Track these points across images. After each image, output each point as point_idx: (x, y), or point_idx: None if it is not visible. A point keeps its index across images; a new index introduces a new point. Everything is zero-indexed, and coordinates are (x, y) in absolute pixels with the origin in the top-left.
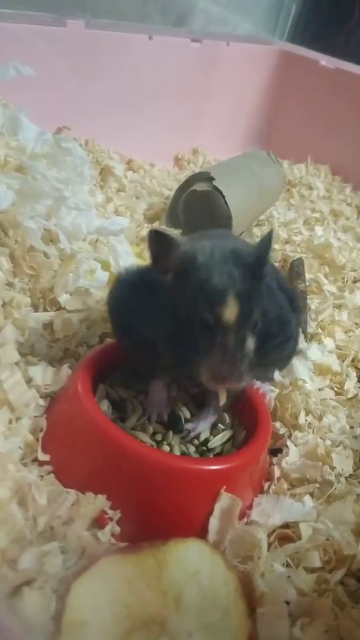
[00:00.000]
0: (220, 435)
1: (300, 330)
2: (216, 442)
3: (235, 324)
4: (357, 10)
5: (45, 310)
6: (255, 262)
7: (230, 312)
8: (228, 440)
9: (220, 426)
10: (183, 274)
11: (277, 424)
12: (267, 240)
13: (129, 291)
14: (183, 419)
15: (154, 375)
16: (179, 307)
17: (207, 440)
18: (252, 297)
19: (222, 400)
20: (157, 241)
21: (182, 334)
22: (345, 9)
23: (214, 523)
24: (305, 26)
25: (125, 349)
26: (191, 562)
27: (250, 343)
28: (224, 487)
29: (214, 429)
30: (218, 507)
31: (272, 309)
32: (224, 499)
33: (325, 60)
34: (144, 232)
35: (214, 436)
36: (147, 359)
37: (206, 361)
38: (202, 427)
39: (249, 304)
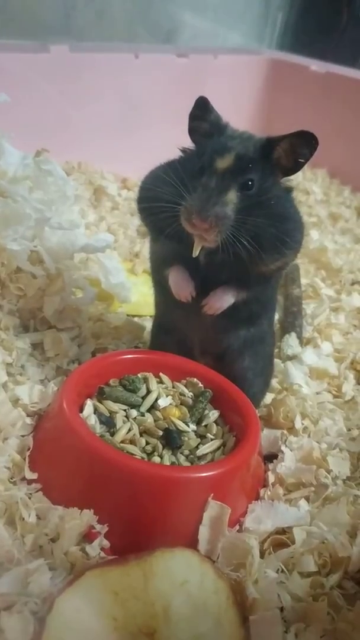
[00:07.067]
0: (209, 444)
1: (296, 334)
2: (205, 449)
3: (222, 173)
4: (344, 13)
5: (35, 329)
6: (267, 143)
7: (223, 162)
8: (218, 448)
9: (210, 436)
10: (207, 138)
11: (273, 429)
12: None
13: (156, 173)
14: (179, 434)
15: (173, 259)
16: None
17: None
18: (254, 168)
19: (196, 251)
20: (199, 105)
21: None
22: (332, 13)
23: (204, 532)
24: (293, 33)
25: (153, 228)
26: (179, 571)
27: (233, 196)
28: (212, 494)
29: (203, 439)
30: (207, 516)
31: (292, 209)
32: (213, 507)
33: (316, 65)
34: (137, 247)
35: (203, 444)
36: (169, 233)
37: (188, 199)
38: (226, 300)
39: (246, 166)
